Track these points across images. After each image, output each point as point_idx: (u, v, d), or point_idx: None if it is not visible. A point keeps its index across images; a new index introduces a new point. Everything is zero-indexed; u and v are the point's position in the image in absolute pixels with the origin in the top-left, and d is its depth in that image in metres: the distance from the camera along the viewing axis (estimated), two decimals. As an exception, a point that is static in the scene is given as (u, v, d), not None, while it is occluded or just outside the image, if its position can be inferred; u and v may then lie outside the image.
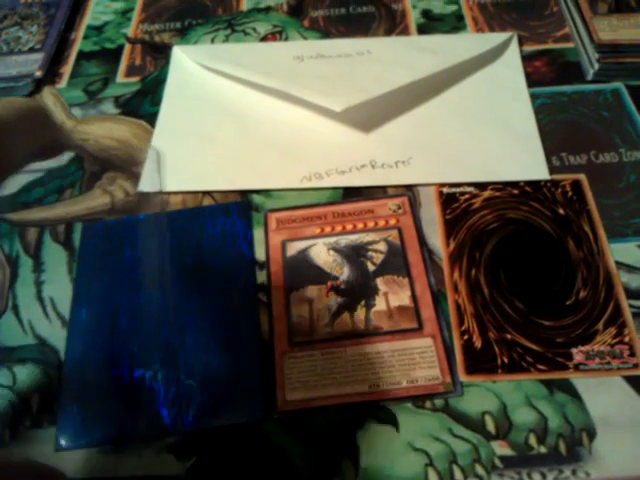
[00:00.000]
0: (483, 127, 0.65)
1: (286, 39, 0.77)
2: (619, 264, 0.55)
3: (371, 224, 0.58)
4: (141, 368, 0.51)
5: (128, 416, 0.49)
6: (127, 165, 0.65)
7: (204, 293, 0.55)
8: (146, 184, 0.63)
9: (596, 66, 0.69)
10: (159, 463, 0.48)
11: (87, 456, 0.48)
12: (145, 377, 0.51)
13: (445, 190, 0.60)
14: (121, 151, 0.67)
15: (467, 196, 0.60)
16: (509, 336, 0.52)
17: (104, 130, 0.69)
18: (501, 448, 0.47)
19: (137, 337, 0.53)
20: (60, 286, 0.57)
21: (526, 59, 0.72)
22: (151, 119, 0.69)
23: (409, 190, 0.61)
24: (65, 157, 0.67)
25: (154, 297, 0.55)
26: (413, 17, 0.78)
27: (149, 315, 0.54)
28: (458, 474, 0.46)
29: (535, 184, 0.60)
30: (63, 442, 0.49)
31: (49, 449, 0.49)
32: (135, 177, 0.64)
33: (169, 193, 0.62)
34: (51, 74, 0.76)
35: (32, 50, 0.76)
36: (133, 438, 0.49)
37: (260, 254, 0.58)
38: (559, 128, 0.65)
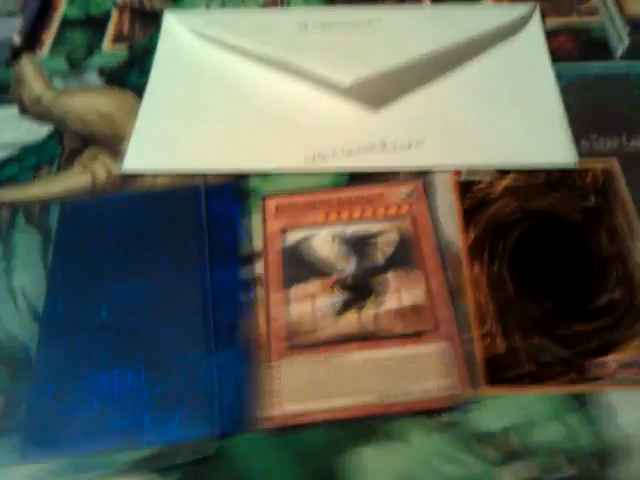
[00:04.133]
0: (504, 107, 0.59)
1: (288, 5, 0.71)
2: (657, 261, 0.50)
3: (381, 212, 0.52)
4: (122, 367, 0.45)
5: (106, 422, 0.43)
6: (111, 141, 0.59)
7: (191, 279, 0.49)
8: (131, 163, 0.57)
9: (626, 42, 0.62)
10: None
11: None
12: (127, 377, 0.45)
13: (463, 175, 0.54)
14: (105, 126, 0.61)
15: (487, 183, 0.54)
16: (536, 340, 0.46)
17: (87, 103, 0.63)
18: (527, 468, 0.42)
19: (118, 330, 0.47)
20: (33, 274, 0.51)
21: (549, 34, 0.66)
22: (139, 91, 0.63)
23: (423, 175, 0.55)
24: (43, 131, 0.61)
25: (139, 287, 0.49)
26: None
27: (132, 304, 0.48)
28: (478, 499, 0.41)
29: (562, 170, 0.54)
30: (30, 452, 0.43)
31: (11, 458, 0.43)
32: (119, 155, 0.58)
33: (156, 174, 0.56)
34: (31, 41, 0.69)
35: (10, 14, 0.69)
36: (109, 447, 0.43)
37: (256, 243, 0.52)
38: (587, 109, 0.59)
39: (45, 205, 0.55)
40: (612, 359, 0.45)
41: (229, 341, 0.46)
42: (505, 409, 0.44)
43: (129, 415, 0.43)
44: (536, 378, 0.44)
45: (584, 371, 0.45)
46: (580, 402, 0.44)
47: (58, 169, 0.58)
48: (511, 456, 0.42)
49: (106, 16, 0.72)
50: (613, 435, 0.43)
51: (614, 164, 0.55)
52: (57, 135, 0.61)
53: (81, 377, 0.45)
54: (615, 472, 0.41)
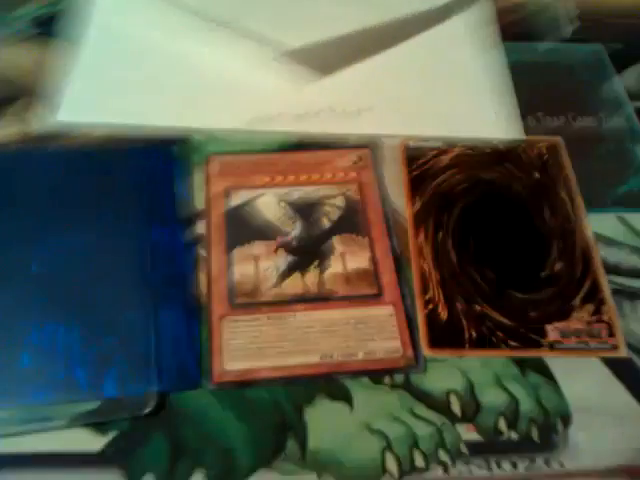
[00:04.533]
0: (451, 80, 0.59)
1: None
2: (598, 236, 0.50)
3: (328, 176, 0.52)
4: (54, 322, 0.43)
5: (36, 377, 0.41)
6: (41, 93, 0.56)
7: (129, 237, 0.47)
8: (66, 114, 0.54)
9: (575, 24, 0.63)
10: (72, 437, 0.40)
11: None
12: (58, 332, 0.43)
13: (411, 144, 0.54)
14: (33, 76, 0.57)
15: (435, 152, 0.54)
16: (478, 308, 0.46)
17: (12, 54, 0.60)
18: (467, 432, 0.42)
19: (50, 285, 0.45)
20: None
21: (499, 12, 0.66)
22: (69, 42, 0.60)
23: (371, 142, 0.54)
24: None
25: (74, 242, 0.47)
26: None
27: (65, 260, 0.46)
28: (419, 460, 0.40)
29: (509, 144, 0.55)
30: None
31: None
32: (51, 106, 0.55)
33: (92, 126, 0.54)
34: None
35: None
36: (41, 402, 0.41)
37: (199, 202, 0.50)
38: (535, 87, 0.60)
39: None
40: (552, 328, 0.45)
41: (168, 300, 0.45)
42: (446, 373, 0.44)
43: (61, 371, 0.41)
44: (477, 344, 0.44)
45: (524, 338, 0.45)
46: (520, 369, 0.44)
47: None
48: (453, 418, 0.42)
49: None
50: (553, 402, 0.43)
51: (559, 141, 0.55)
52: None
53: (9, 330, 0.43)
54: (554, 438, 0.42)
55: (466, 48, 0.62)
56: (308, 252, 0.48)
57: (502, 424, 0.42)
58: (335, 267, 0.47)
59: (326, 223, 0.49)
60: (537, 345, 0.45)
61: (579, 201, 0.52)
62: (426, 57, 0.61)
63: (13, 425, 0.40)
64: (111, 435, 0.41)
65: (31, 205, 0.49)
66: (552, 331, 0.45)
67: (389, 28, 0.61)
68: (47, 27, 0.62)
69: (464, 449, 0.41)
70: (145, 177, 0.51)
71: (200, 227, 0.49)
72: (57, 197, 0.49)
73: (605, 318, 0.46)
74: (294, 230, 0.48)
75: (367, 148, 0.53)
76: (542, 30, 0.65)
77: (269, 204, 0.50)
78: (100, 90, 0.56)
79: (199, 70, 0.58)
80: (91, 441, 0.40)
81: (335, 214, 0.49)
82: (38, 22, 0.63)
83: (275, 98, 0.56)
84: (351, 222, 0.49)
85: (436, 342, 0.44)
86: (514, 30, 0.65)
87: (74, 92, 0.55)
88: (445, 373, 0.44)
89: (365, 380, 0.43)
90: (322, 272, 0.47)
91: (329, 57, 0.59)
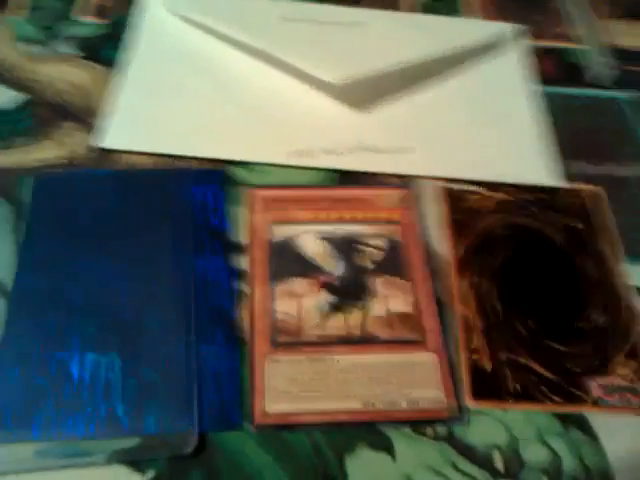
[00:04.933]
0: (493, 123, 0.59)
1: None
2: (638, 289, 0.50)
3: (370, 216, 0.51)
4: (95, 353, 0.42)
5: (75, 411, 0.40)
6: (85, 115, 0.56)
7: (175, 270, 0.47)
8: (112, 139, 0.54)
9: (612, 72, 0.63)
10: (110, 474, 0.39)
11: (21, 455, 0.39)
12: (100, 365, 0.42)
13: (454, 187, 0.54)
14: (77, 98, 0.57)
15: (477, 196, 0.53)
16: (522, 360, 0.45)
17: (59, 72, 0.59)
18: (510, 490, 0.41)
19: (91, 314, 0.44)
20: (3, 248, 0.47)
21: (535, 55, 0.66)
22: (112, 66, 0.60)
23: (413, 182, 0.54)
24: (13, 99, 0.57)
25: (116, 270, 0.46)
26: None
27: (110, 291, 0.45)
28: (462, 518, 0.40)
29: (551, 191, 0.54)
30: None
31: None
32: (95, 130, 0.55)
33: (134, 152, 0.54)
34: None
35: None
36: (81, 436, 0.40)
37: (241, 237, 0.50)
38: (576, 132, 0.59)
39: (18, 177, 0.51)
40: (595, 383, 0.45)
41: (211, 335, 0.44)
42: (489, 427, 0.43)
43: (101, 405, 0.41)
44: (520, 397, 0.44)
45: (567, 393, 0.44)
46: (564, 425, 0.44)
47: (32, 141, 0.54)
48: (495, 474, 0.41)
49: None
50: (595, 460, 0.42)
51: (601, 191, 0.55)
52: (29, 104, 0.57)
53: (51, 360, 0.42)
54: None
55: (502, 91, 0.62)
56: (350, 293, 0.47)
57: (544, 482, 0.42)
58: (377, 310, 0.46)
59: (369, 264, 0.48)
60: (580, 400, 0.44)
61: (620, 251, 0.51)
62: (461, 98, 0.61)
63: (52, 458, 0.39)
64: (150, 474, 0.40)
65: (74, 230, 0.48)
66: (595, 388, 0.45)
67: (424, 67, 0.61)
68: (97, 50, 0.62)
69: (507, 507, 0.40)
70: (192, 205, 0.50)
71: (243, 261, 0.48)
72: (100, 222, 0.49)
73: (647, 375, 0.45)
74: (337, 269, 0.48)
75: (410, 189, 0.53)
76: (583, 75, 0.65)
77: (311, 241, 0.49)
78: (145, 118, 0.56)
79: (238, 102, 0.58)
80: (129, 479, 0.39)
81: (377, 255, 0.49)
82: (90, 43, 0.62)
83: (317, 133, 0.56)
84: (393, 264, 0.49)
85: (479, 393, 0.44)
86: (549, 73, 0.64)
87: (119, 119, 0.55)
88: (488, 427, 0.43)
89: (407, 430, 0.42)
90: (365, 314, 0.46)
91: (373, 93, 0.59)
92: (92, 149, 0.54)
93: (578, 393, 0.44)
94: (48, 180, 0.51)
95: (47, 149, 0.53)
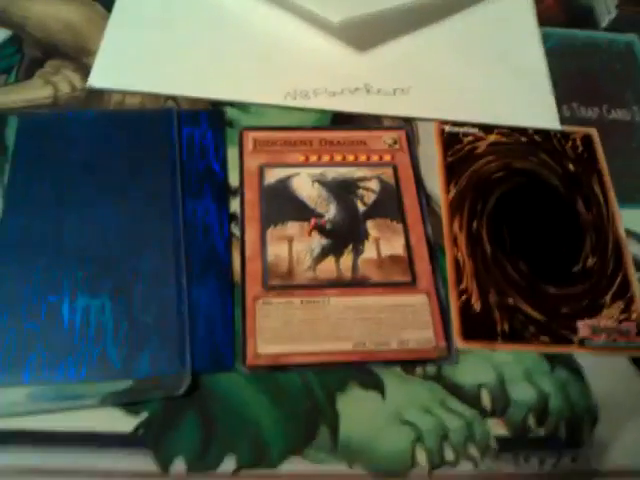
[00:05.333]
0: (489, 64, 0.58)
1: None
2: (629, 232, 0.50)
3: (363, 158, 0.51)
4: (86, 297, 0.43)
5: (67, 354, 0.41)
6: (76, 54, 0.55)
7: (166, 213, 0.46)
8: (98, 78, 0.53)
9: (613, 13, 0.62)
10: (104, 416, 0.40)
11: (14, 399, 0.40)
12: (90, 309, 0.42)
13: (447, 128, 0.53)
14: (68, 36, 0.56)
15: (471, 138, 0.53)
16: (511, 301, 0.46)
17: (50, 9, 0.58)
18: (497, 427, 0.42)
19: (83, 259, 0.44)
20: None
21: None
22: (106, 3, 0.59)
23: (407, 123, 0.53)
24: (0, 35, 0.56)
25: (106, 213, 0.46)
26: None
27: (100, 234, 0.45)
28: (449, 454, 0.41)
29: (544, 133, 0.54)
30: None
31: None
32: (85, 69, 0.54)
33: (125, 92, 0.53)
34: None
35: None
36: (73, 380, 0.40)
37: (233, 178, 0.49)
38: (570, 75, 0.59)
39: (2, 116, 0.51)
40: (583, 324, 0.45)
41: (202, 278, 0.44)
42: (478, 366, 0.44)
43: (93, 348, 0.41)
44: (509, 338, 0.44)
45: (556, 334, 0.45)
46: (551, 365, 0.44)
47: (17, 79, 0.54)
48: (483, 412, 0.42)
49: None
50: (581, 399, 0.43)
51: (594, 133, 0.54)
52: (16, 41, 0.56)
53: (41, 304, 0.42)
54: (581, 437, 0.42)
55: (503, 33, 0.61)
56: (342, 236, 0.47)
57: (531, 420, 0.42)
58: (369, 252, 0.47)
59: (360, 207, 0.48)
60: (568, 341, 0.45)
61: (612, 196, 0.51)
62: (462, 40, 0.60)
63: (44, 402, 0.40)
64: (143, 416, 0.40)
65: (63, 171, 0.48)
66: (583, 328, 0.45)
67: (425, 9, 0.60)
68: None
69: (493, 444, 0.41)
70: (179, 146, 0.49)
71: (234, 204, 0.48)
72: (90, 164, 0.48)
73: (634, 317, 0.46)
74: (328, 212, 0.48)
75: (402, 130, 0.53)
76: (580, 17, 0.64)
77: (303, 184, 0.49)
78: (134, 56, 0.55)
79: (235, 42, 0.57)
80: (122, 421, 0.40)
81: (370, 198, 0.49)
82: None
83: (311, 74, 0.55)
84: (385, 207, 0.49)
85: (469, 334, 0.44)
86: (551, 15, 0.63)
87: (107, 58, 0.54)
88: (477, 366, 0.44)
89: (397, 370, 0.43)
90: (356, 257, 0.46)
91: (372, 34, 0.58)
92: (80, 88, 0.53)
93: (566, 334, 0.45)
94: (33, 120, 0.50)
95: (32, 88, 0.53)
